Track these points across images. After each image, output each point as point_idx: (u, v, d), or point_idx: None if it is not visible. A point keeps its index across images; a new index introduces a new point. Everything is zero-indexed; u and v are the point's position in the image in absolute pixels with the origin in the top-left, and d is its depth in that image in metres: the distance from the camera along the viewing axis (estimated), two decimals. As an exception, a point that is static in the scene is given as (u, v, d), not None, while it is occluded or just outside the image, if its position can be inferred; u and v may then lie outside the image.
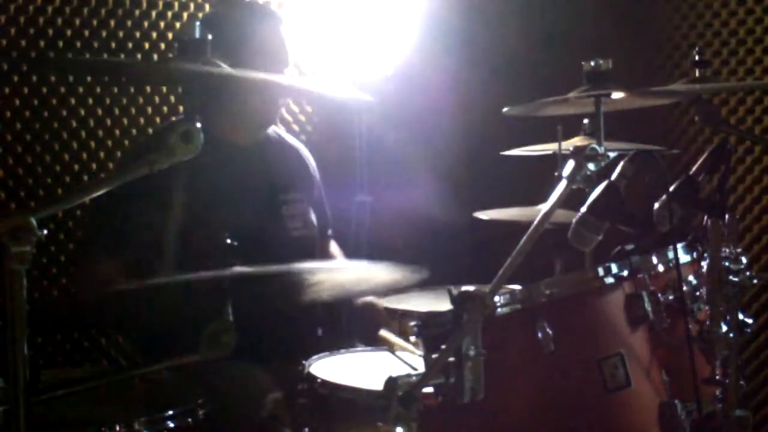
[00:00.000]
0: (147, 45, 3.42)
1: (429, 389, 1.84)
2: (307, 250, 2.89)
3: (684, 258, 2.21)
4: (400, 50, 3.71)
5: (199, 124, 1.79)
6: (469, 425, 1.94)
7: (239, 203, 2.72)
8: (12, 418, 1.64)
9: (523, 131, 3.03)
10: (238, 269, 2.08)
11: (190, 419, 2.09)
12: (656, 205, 2.20)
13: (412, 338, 2.57)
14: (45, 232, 1.63)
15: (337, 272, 2.29)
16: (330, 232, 3.19)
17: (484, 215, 2.98)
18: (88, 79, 3.30)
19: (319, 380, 2.28)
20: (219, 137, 2.77)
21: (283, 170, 2.97)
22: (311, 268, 2.14)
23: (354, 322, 3.12)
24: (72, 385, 1.95)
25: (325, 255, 3.11)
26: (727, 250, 2.16)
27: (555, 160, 2.75)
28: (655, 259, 2.15)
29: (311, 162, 3.14)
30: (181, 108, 3.43)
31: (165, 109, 3.47)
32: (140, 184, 1.85)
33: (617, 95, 2.29)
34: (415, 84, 3.86)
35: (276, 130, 3.08)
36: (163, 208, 2.61)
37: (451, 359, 1.82)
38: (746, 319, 2.18)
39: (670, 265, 2.14)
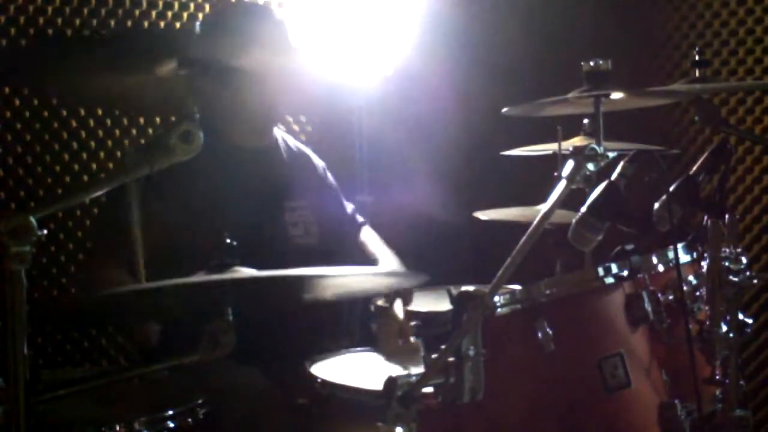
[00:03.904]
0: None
1: (429, 389, 1.84)
2: (307, 258, 2.88)
3: (684, 258, 2.21)
4: (400, 50, 3.71)
5: (200, 128, 1.79)
6: (469, 425, 1.94)
7: (240, 206, 2.72)
8: (12, 418, 1.64)
9: (523, 131, 3.03)
10: (238, 274, 2.08)
11: (190, 419, 2.09)
12: (656, 205, 2.20)
13: (412, 338, 2.57)
14: (45, 232, 1.63)
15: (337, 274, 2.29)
16: (359, 221, 3.17)
17: (484, 215, 2.98)
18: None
19: (319, 380, 2.28)
20: (222, 140, 2.77)
21: (287, 177, 2.95)
22: (311, 272, 2.13)
23: (354, 323, 3.12)
24: (72, 385, 1.96)
25: (357, 248, 3.09)
26: (727, 250, 2.16)
27: (555, 160, 2.75)
28: (655, 259, 2.16)
29: (320, 169, 3.12)
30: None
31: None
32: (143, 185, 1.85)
33: (617, 95, 2.29)
34: (415, 84, 3.86)
35: (284, 137, 3.07)
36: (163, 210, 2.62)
37: (451, 359, 1.82)
38: (746, 319, 2.18)
39: (670, 265, 2.14)
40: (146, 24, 3.42)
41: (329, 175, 3.13)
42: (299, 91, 3.21)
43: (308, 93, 3.62)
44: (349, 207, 3.18)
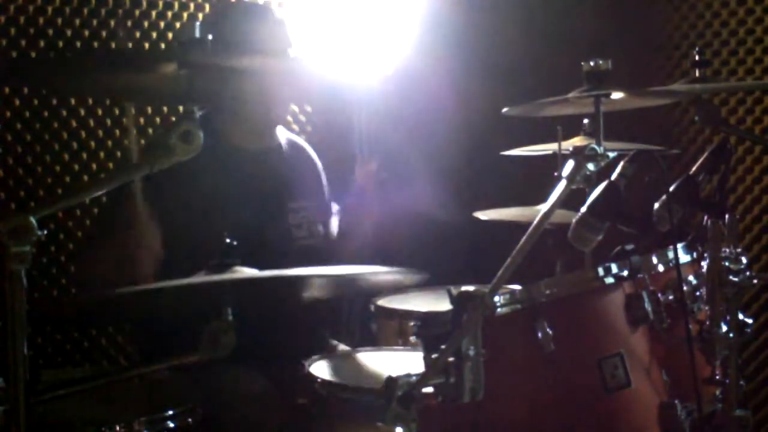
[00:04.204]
0: (147, 45, 3.42)
1: (429, 389, 1.84)
2: (310, 259, 2.88)
3: (684, 258, 2.21)
4: (400, 50, 3.71)
5: (200, 128, 1.79)
6: (469, 425, 1.94)
7: (243, 207, 2.72)
8: (12, 418, 1.64)
9: (523, 131, 3.03)
10: (237, 275, 2.08)
11: (190, 419, 2.09)
12: (656, 205, 2.20)
13: (412, 338, 2.58)
14: (45, 232, 1.63)
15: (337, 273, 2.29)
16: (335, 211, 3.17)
17: (484, 215, 2.98)
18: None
19: (319, 380, 2.28)
20: (225, 141, 2.77)
21: (290, 177, 2.95)
22: (311, 272, 2.13)
23: (354, 323, 3.12)
24: (72, 385, 1.95)
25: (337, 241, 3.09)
26: (727, 250, 2.16)
27: (555, 160, 2.75)
28: (655, 259, 2.16)
29: (320, 167, 3.12)
30: (181, 108, 3.43)
31: (165, 109, 3.47)
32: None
33: (617, 95, 2.29)
34: (415, 84, 3.86)
35: (289, 137, 3.07)
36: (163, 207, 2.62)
37: (451, 359, 1.82)
38: (746, 319, 2.18)
39: (670, 265, 2.14)
40: (146, 24, 3.42)
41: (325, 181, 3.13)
42: (299, 91, 3.21)
43: (308, 93, 3.62)
44: (335, 207, 3.17)
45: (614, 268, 2.08)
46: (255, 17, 2.87)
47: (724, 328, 2.11)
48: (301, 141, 3.14)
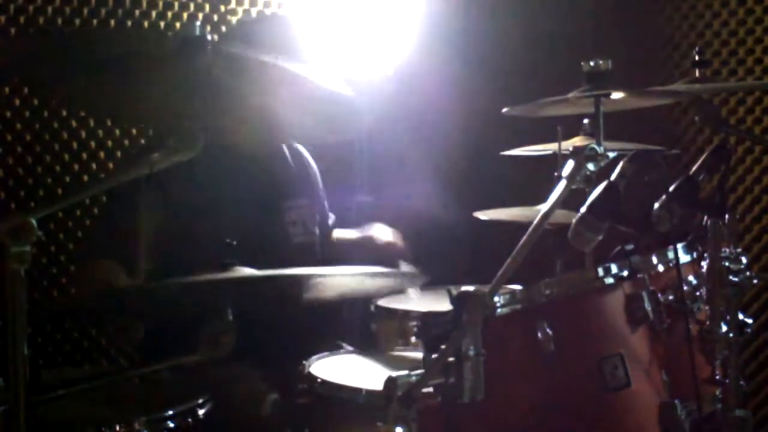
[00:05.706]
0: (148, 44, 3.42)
1: (429, 389, 1.84)
2: (306, 256, 2.89)
3: (684, 258, 2.21)
4: (400, 50, 3.70)
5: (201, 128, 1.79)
6: (469, 425, 1.94)
7: (240, 206, 2.72)
8: (12, 418, 1.64)
9: (523, 131, 3.03)
10: (238, 273, 2.08)
11: (190, 419, 2.09)
12: (656, 205, 2.20)
13: (413, 339, 2.58)
14: (44, 232, 1.63)
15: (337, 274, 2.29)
16: (331, 223, 3.19)
17: (484, 215, 2.98)
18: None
19: (319, 380, 2.28)
20: (222, 139, 2.77)
21: (286, 176, 2.97)
22: (312, 271, 2.13)
23: (354, 323, 3.12)
24: (72, 385, 1.95)
25: (329, 248, 3.09)
26: (727, 250, 2.16)
27: (555, 160, 2.75)
28: (655, 259, 2.16)
29: (314, 167, 3.13)
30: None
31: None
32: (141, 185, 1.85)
33: (617, 95, 2.29)
34: (415, 84, 3.86)
35: None
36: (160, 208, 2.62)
37: (451, 359, 1.82)
38: (746, 319, 2.18)
39: (670, 265, 2.14)
40: (146, 24, 3.42)
41: (319, 178, 3.14)
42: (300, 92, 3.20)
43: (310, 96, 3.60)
44: (331, 218, 3.18)
45: (614, 268, 2.09)
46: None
47: (724, 328, 2.11)
48: (298, 144, 3.14)
